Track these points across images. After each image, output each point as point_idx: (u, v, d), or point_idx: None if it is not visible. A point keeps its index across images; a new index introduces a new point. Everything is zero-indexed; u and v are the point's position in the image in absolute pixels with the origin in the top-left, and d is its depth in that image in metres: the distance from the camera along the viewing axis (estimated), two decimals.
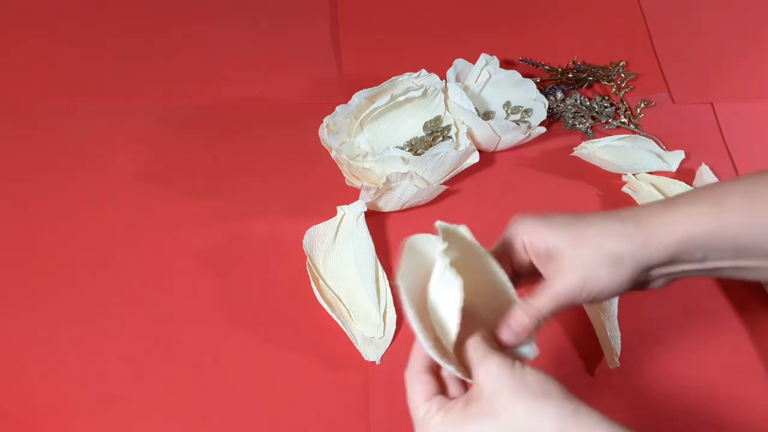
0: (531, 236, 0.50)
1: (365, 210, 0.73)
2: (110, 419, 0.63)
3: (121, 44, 0.90)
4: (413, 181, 0.73)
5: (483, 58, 0.82)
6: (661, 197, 0.74)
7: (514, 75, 0.82)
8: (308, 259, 0.70)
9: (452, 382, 0.47)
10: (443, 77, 0.80)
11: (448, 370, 0.46)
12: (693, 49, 0.91)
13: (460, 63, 0.82)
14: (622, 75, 0.87)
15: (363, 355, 0.66)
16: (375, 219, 0.75)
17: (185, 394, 0.64)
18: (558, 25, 0.93)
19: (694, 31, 0.93)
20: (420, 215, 0.75)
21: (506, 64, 0.87)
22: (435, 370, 0.47)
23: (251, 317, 0.68)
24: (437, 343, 0.46)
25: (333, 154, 0.75)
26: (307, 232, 0.71)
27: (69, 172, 0.78)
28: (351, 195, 0.75)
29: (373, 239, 0.72)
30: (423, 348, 0.46)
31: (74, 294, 0.69)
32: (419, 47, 0.90)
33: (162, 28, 0.92)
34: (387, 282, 0.70)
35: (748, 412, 0.64)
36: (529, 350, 0.51)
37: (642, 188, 0.76)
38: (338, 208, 0.73)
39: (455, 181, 0.77)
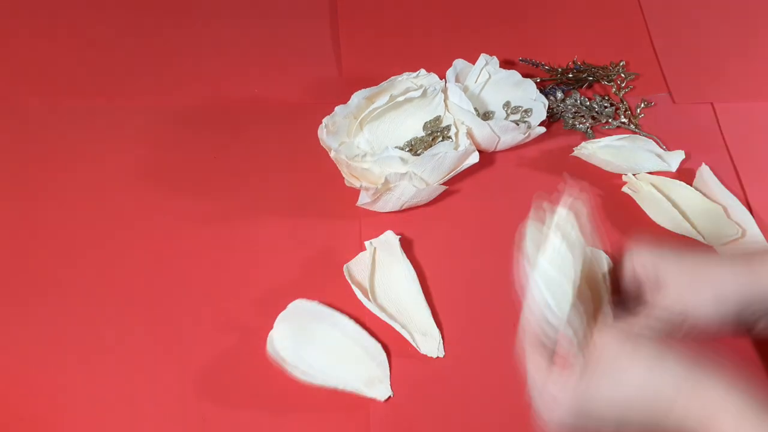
0: (645, 264, 0.52)
1: (399, 237, 0.72)
2: (109, 418, 0.63)
3: (121, 44, 0.90)
4: (412, 182, 0.73)
5: (483, 58, 0.82)
6: (661, 197, 0.74)
7: (514, 75, 0.82)
8: (354, 284, 0.69)
9: (558, 357, 0.51)
10: (443, 77, 0.80)
11: (563, 335, 0.49)
12: (693, 49, 0.91)
13: (459, 63, 0.82)
14: (622, 75, 0.87)
15: (427, 353, 0.66)
16: (373, 220, 0.75)
17: (185, 394, 0.64)
18: (558, 25, 0.93)
19: (694, 31, 0.93)
20: (419, 215, 0.75)
21: (506, 64, 0.87)
22: (546, 346, 0.50)
23: (251, 316, 0.68)
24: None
25: (332, 154, 0.75)
26: (345, 266, 0.70)
27: (68, 172, 0.78)
28: (350, 195, 0.75)
29: (372, 239, 0.73)
30: (534, 326, 0.50)
31: (73, 294, 0.69)
32: (419, 47, 0.90)
33: (162, 28, 0.92)
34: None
35: None
36: None
37: (642, 188, 0.76)
38: (366, 243, 0.72)
39: (455, 182, 0.77)
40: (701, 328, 0.50)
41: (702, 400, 0.44)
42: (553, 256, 0.49)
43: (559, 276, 0.49)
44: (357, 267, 0.71)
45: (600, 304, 0.53)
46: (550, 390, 0.47)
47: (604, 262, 0.53)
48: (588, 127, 0.82)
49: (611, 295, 0.53)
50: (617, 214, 0.76)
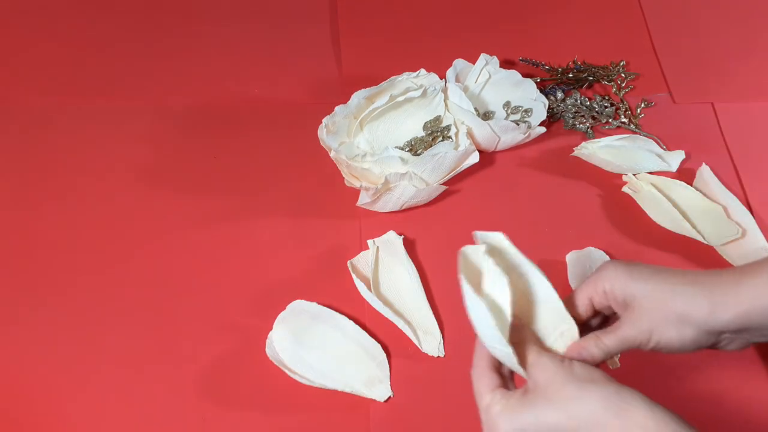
0: (613, 283, 0.54)
1: (402, 238, 0.72)
2: (109, 418, 0.63)
3: (121, 44, 0.90)
4: (412, 182, 0.73)
5: (483, 58, 0.82)
6: (661, 197, 0.74)
7: (514, 75, 0.82)
8: (359, 279, 0.69)
9: (509, 379, 0.53)
10: (443, 77, 0.80)
11: (506, 358, 0.50)
12: (693, 49, 0.91)
13: (459, 63, 0.82)
14: (623, 75, 0.87)
15: (428, 352, 0.66)
16: (373, 220, 0.75)
17: (185, 395, 0.64)
18: (558, 25, 0.93)
19: (694, 31, 0.93)
20: (419, 215, 0.75)
21: (506, 64, 0.87)
22: (496, 368, 0.52)
23: (250, 317, 0.68)
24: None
25: (332, 154, 0.75)
26: (348, 262, 0.71)
27: (69, 171, 0.78)
28: (350, 195, 0.75)
29: (373, 238, 0.73)
30: (484, 348, 0.51)
31: (73, 293, 0.69)
32: (419, 47, 0.90)
33: (162, 28, 0.92)
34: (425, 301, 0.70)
35: (749, 412, 0.64)
36: None
37: (642, 188, 0.76)
38: (369, 242, 0.72)
39: (455, 182, 0.77)
40: (664, 347, 0.53)
41: (628, 420, 0.46)
42: (489, 280, 0.51)
43: (497, 299, 0.50)
44: (360, 264, 0.71)
45: (535, 323, 0.54)
46: (492, 413, 0.49)
47: (542, 281, 0.53)
48: (588, 127, 0.82)
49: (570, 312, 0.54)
50: (617, 214, 0.76)
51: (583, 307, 0.55)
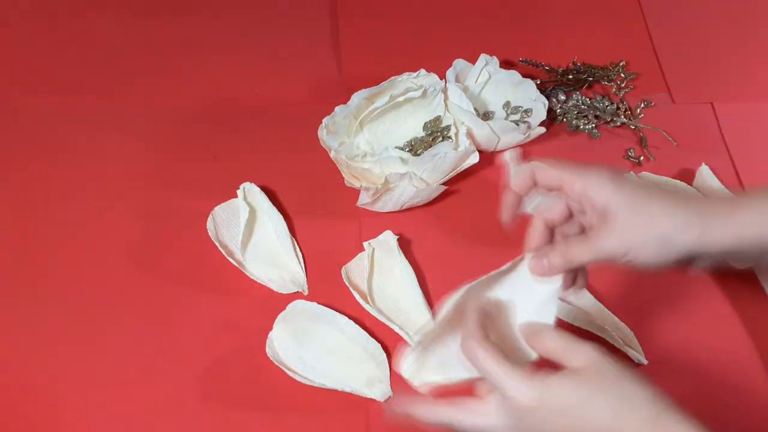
0: (596, 191, 0.51)
1: (397, 238, 0.72)
2: (108, 419, 0.63)
3: (121, 44, 0.90)
4: (412, 182, 0.73)
5: (483, 58, 0.82)
6: None
7: (514, 75, 0.82)
8: (352, 287, 0.69)
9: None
10: (443, 77, 0.80)
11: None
12: (693, 49, 0.91)
13: (459, 63, 0.82)
14: (622, 75, 0.87)
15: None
16: (373, 220, 0.75)
17: (185, 395, 0.64)
18: (558, 25, 0.93)
19: (694, 31, 0.93)
20: (419, 216, 0.75)
21: (506, 64, 0.87)
22: None
23: (250, 317, 0.68)
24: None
25: (332, 154, 0.75)
26: (342, 268, 0.70)
27: (68, 172, 0.78)
28: (350, 195, 0.75)
29: (371, 239, 0.73)
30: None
31: (72, 293, 0.69)
32: (419, 47, 0.90)
33: (162, 28, 0.92)
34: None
35: (747, 411, 0.64)
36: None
37: None
38: (364, 244, 0.72)
39: (455, 182, 0.77)
40: (640, 265, 0.51)
41: None
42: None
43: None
44: (355, 269, 0.71)
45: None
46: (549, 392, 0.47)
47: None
48: (593, 128, 0.82)
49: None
50: None
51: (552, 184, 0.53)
